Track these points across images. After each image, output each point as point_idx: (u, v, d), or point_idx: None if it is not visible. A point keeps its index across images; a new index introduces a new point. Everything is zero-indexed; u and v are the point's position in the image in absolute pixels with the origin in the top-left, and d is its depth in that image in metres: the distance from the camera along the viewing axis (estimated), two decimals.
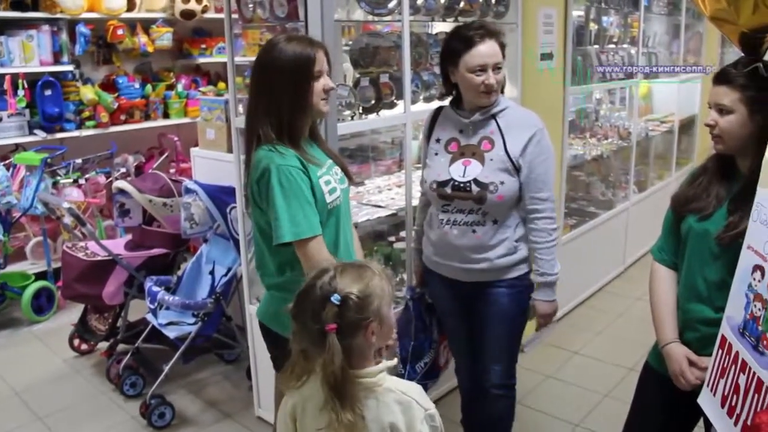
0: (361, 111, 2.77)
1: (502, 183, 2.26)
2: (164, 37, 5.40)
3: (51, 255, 4.45)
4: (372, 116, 2.85)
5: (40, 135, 4.64)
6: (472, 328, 2.50)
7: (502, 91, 2.38)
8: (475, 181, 2.27)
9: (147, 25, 5.34)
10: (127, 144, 5.11)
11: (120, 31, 5.06)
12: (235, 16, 2.77)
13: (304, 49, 1.93)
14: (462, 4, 3.04)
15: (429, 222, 2.49)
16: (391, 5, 2.76)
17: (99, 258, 3.40)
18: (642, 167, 5.47)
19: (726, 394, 1.54)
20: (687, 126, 6.09)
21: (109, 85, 5.19)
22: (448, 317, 2.62)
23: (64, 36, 4.76)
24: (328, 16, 2.35)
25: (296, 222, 1.87)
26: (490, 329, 2.43)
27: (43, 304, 4.33)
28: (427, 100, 3.09)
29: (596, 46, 4.67)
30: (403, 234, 3.10)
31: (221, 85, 5.75)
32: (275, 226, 1.88)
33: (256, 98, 1.98)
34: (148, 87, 5.38)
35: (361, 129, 3.06)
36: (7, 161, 4.49)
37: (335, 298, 1.40)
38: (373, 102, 2.85)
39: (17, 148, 4.64)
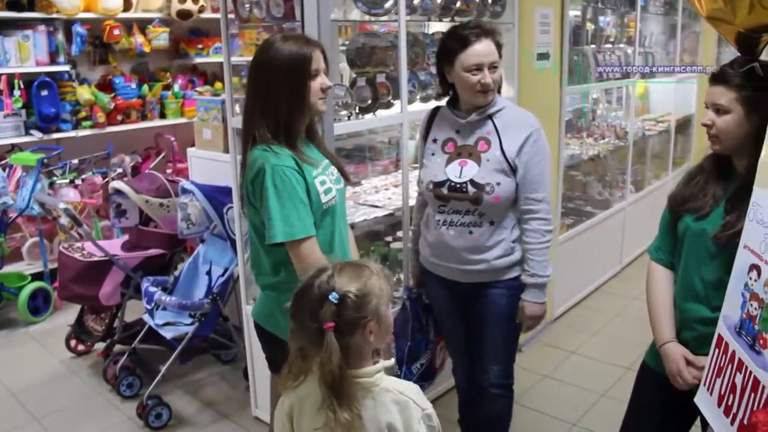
0: (357, 111, 2.77)
1: (498, 184, 2.26)
2: (161, 37, 5.39)
3: (47, 256, 4.44)
4: (369, 116, 2.85)
5: (37, 135, 4.63)
6: (470, 328, 2.50)
7: (499, 91, 2.38)
8: (472, 181, 2.27)
9: (143, 25, 5.33)
10: (123, 144, 5.10)
11: (116, 31, 5.05)
12: (231, 16, 2.77)
13: (301, 48, 1.92)
14: (458, 4, 3.04)
15: (426, 223, 2.49)
16: (387, 5, 2.76)
17: (95, 258, 3.39)
18: (639, 167, 5.48)
19: (722, 393, 1.54)
20: (684, 125, 6.10)
21: (105, 86, 5.18)
22: (445, 318, 2.62)
23: (60, 36, 4.75)
24: (324, 15, 2.34)
25: (290, 222, 1.86)
26: (488, 330, 2.43)
27: (39, 305, 4.32)
28: (424, 100, 3.09)
29: (593, 46, 4.67)
30: (399, 234, 3.10)
31: (218, 85, 5.74)
32: (268, 226, 1.88)
33: (253, 98, 1.98)
34: (145, 87, 5.37)
35: (358, 129, 3.06)
36: (3, 162, 4.49)
37: (333, 297, 1.40)
38: (369, 102, 2.85)
39: (13, 148, 4.63)
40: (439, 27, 3.32)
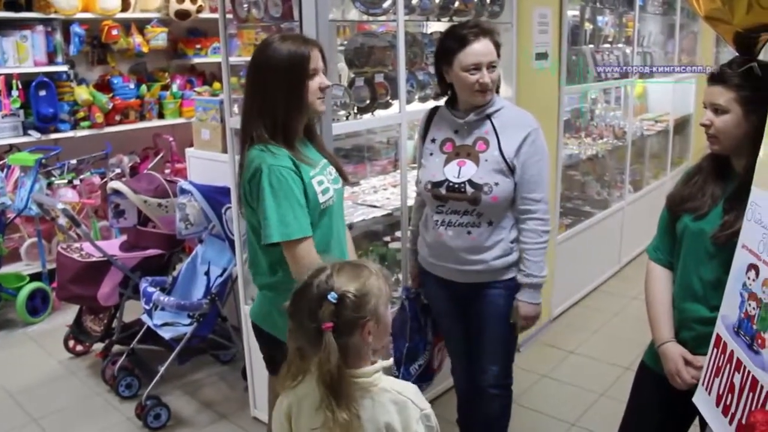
0: (356, 111, 2.77)
1: (496, 184, 2.25)
2: (159, 38, 5.39)
3: (46, 256, 4.44)
4: (367, 116, 2.85)
5: (35, 135, 4.62)
6: (469, 328, 2.50)
7: (497, 91, 2.38)
8: (470, 182, 2.27)
9: (142, 25, 5.33)
10: (121, 144, 5.10)
11: (114, 32, 5.04)
12: (229, 16, 2.77)
13: (299, 47, 1.92)
14: (457, 3, 3.04)
15: (424, 223, 2.48)
16: (385, 5, 2.75)
17: (94, 259, 3.39)
18: (637, 166, 5.48)
19: (721, 393, 1.54)
20: (682, 125, 6.11)
21: (103, 86, 5.18)
22: (444, 318, 2.62)
23: (58, 36, 4.75)
24: (322, 15, 2.35)
25: (286, 222, 1.86)
26: (487, 330, 2.43)
27: (37, 306, 4.31)
28: (422, 99, 3.09)
29: (591, 46, 4.68)
30: (398, 234, 3.10)
31: (216, 85, 5.73)
32: (264, 226, 1.88)
33: (251, 98, 1.98)
34: (143, 87, 5.37)
35: (357, 129, 3.06)
36: (1, 162, 4.48)
37: (332, 297, 1.40)
38: (368, 102, 2.84)
39: (11, 148, 4.63)
40: (437, 27, 3.31)
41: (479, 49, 2.22)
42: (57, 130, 4.75)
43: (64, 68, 4.82)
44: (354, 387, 1.44)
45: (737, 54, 1.76)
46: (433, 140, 2.41)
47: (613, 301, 4.55)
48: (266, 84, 1.93)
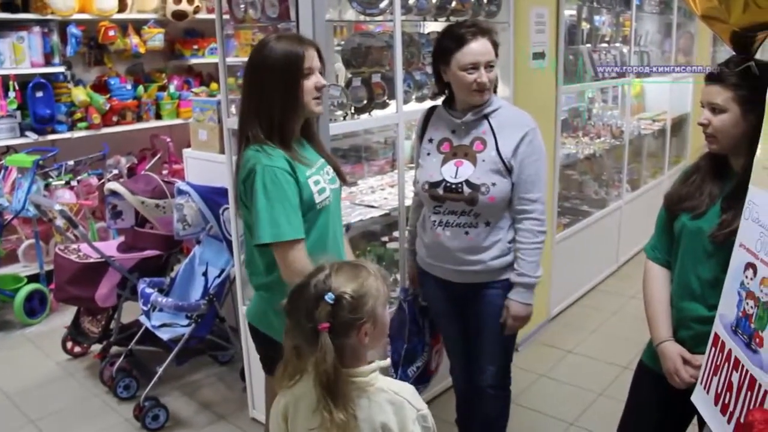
0: (353, 111, 2.76)
1: (494, 184, 2.25)
2: (156, 38, 5.38)
3: (43, 257, 4.43)
4: (364, 116, 2.85)
5: (32, 137, 4.61)
6: (467, 329, 2.50)
7: (495, 91, 2.38)
8: (467, 182, 2.26)
9: (138, 26, 5.32)
10: (119, 145, 5.09)
11: (111, 32, 5.03)
12: (226, 16, 2.77)
13: (294, 46, 1.92)
14: (454, 3, 3.04)
15: (422, 223, 2.48)
16: (382, 5, 2.75)
17: (91, 260, 3.38)
18: (635, 166, 5.49)
19: (719, 391, 1.54)
20: (679, 124, 6.12)
21: (100, 87, 5.17)
22: (442, 318, 2.62)
23: (55, 37, 4.73)
24: (319, 16, 2.34)
25: (277, 224, 1.85)
26: (485, 330, 2.42)
27: (35, 307, 4.31)
28: (420, 99, 3.08)
29: (588, 45, 4.68)
30: (396, 234, 3.09)
31: (213, 85, 5.73)
32: (255, 227, 1.88)
33: (248, 98, 1.97)
34: (140, 88, 5.35)
35: (354, 129, 3.05)
36: None
37: (329, 297, 1.40)
38: (365, 102, 2.84)
39: (8, 150, 4.62)
40: (434, 27, 3.31)
41: (477, 48, 2.21)
42: (54, 132, 4.74)
43: (61, 69, 4.81)
44: (351, 387, 1.44)
45: (734, 53, 1.76)
46: (431, 140, 2.41)
47: (612, 300, 4.55)
48: (262, 84, 1.92)
